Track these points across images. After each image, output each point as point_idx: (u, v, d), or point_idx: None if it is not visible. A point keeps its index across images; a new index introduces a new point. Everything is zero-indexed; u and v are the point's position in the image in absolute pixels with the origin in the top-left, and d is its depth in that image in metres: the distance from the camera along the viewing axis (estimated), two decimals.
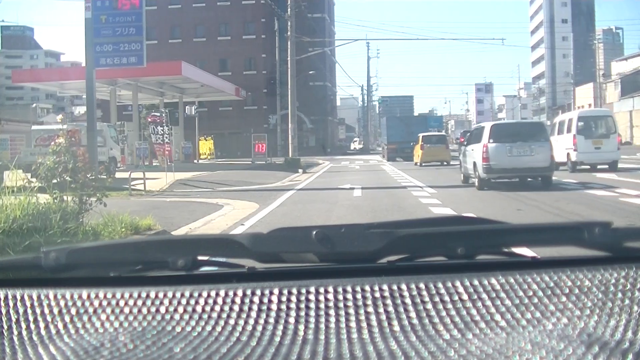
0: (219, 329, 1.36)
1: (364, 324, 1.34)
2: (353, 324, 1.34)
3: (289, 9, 38.67)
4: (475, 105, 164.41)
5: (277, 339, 1.31)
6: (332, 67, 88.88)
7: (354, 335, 1.30)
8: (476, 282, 1.43)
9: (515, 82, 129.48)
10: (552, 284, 1.42)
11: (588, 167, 25.92)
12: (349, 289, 1.42)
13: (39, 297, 1.48)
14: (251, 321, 1.37)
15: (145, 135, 32.72)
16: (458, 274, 1.46)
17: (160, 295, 1.45)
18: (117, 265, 1.64)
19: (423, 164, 36.85)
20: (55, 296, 1.48)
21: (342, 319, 1.35)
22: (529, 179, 19.78)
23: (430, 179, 23.94)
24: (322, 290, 1.43)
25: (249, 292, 1.43)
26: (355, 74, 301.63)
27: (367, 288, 1.42)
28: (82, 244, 1.82)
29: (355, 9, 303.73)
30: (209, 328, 1.37)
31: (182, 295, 1.44)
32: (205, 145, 56.58)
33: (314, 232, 1.55)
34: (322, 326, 1.34)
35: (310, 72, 71.75)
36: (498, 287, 1.42)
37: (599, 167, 25.90)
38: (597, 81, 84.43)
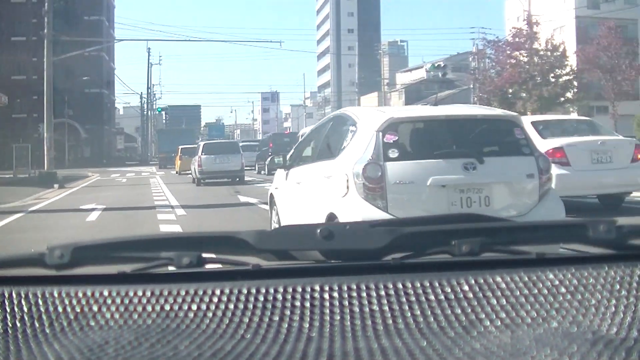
0: (223, 326, 1.39)
1: (369, 322, 1.37)
2: (358, 322, 1.37)
3: (46, 4, 36.62)
4: (261, 115, 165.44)
5: (282, 336, 1.34)
6: (110, 74, 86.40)
7: (359, 333, 1.34)
8: (481, 280, 1.46)
9: (304, 92, 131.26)
10: (556, 282, 1.45)
11: None
12: (353, 286, 1.45)
13: (43, 294, 1.50)
14: (256, 318, 1.40)
15: None
16: (463, 272, 1.48)
17: (165, 292, 1.48)
18: (121, 262, 1.65)
19: (182, 173, 40.99)
20: (59, 293, 1.50)
21: (347, 317, 1.38)
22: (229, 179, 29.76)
23: (190, 195, 23.70)
24: (326, 287, 1.45)
25: (253, 289, 1.46)
26: (139, 82, 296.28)
27: (372, 285, 1.45)
28: (87, 241, 1.74)
29: (140, 12, 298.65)
30: (213, 325, 1.40)
31: (187, 292, 1.47)
32: None
33: (319, 230, 1.57)
34: (327, 323, 1.37)
35: (85, 78, 69.07)
36: (503, 284, 1.45)
37: None
38: (382, 90, 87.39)
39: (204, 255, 1.61)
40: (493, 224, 1.81)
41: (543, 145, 13.22)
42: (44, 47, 62.42)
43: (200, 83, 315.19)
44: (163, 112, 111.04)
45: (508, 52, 50.55)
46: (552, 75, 49.46)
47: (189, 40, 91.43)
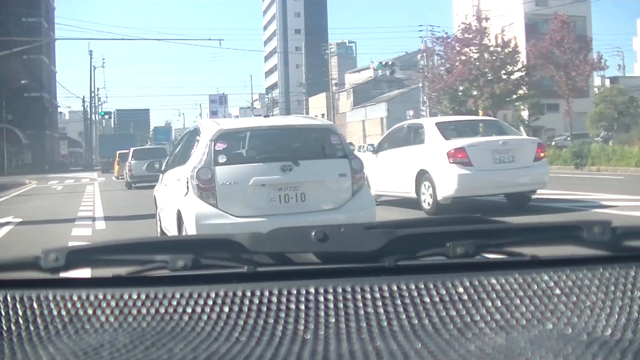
0: (218, 329, 1.40)
1: (364, 324, 1.38)
2: (353, 324, 1.38)
3: None
4: (210, 117, 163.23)
5: (277, 339, 1.35)
6: (50, 77, 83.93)
7: (354, 335, 1.35)
8: (476, 282, 1.47)
9: (251, 94, 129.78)
10: (551, 283, 1.46)
11: None
12: (348, 288, 1.46)
13: (38, 297, 1.50)
14: (251, 321, 1.41)
15: None
16: (457, 274, 1.49)
17: (160, 295, 1.48)
18: (116, 266, 1.66)
19: (120, 178, 40.55)
20: (54, 297, 1.50)
21: (342, 319, 1.39)
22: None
23: (119, 204, 22.35)
24: (321, 290, 1.46)
25: (248, 292, 1.47)
26: (84, 86, 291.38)
27: (367, 288, 1.46)
28: (82, 245, 1.76)
29: (84, 14, 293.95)
30: (208, 328, 1.40)
31: (182, 295, 1.48)
32: None
33: (314, 232, 1.57)
34: (322, 326, 1.38)
35: (23, 82, 66.50)
36: (498, 286, 1.46)
37: None
38: (330, 91, 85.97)
39: (199, 258, 1.60)
40: (487, 226, 1.80)
41: (446, 145, 13.98)
42: None
43: (147, 86, 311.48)
44: (111, 116, 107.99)
45: (457, 48, 49.10)
46: (503, 72, 48.20)
47: (126, 39, 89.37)
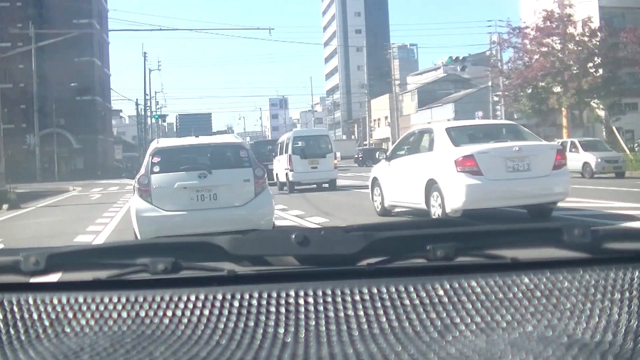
0: (199, 332, 1.43)
1: (344, 327, 1.41)
2: (333, 327, 1.41)
3: None
4: (270, 121, 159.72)
5: (257, 342, 1.38)
6: (104, 81, 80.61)
7: (334, 338, 1.38)
8: (456, 284, 1.50)
9: (312, 97, 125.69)
10: (531, 286, 1.49)
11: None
12: (328, 291, 1.49)
13: (18, 301, 1.54)
14: (231, 324, 1.44)
15: None
16: (437, 276, 1.52)
17: (140, 299, 1.51)
18: (97, 269, 1.69)
19: None
20: (34, 300, 1.54)
21: (322, 322, 1.43)
22: None
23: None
24: (301, 293, 1.49)
25: (228, 295, 1.50)
26: (141, 89, 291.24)
27: (347, 291, 1.49)
28: (62, 248, 1.76)
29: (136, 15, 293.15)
30: (189, 332, 1.44)
31: (162, 298, 1.51)
32: None
33: (294, 235, 1.60)
34: (302, 329, 1.41)
35: (72, 84, 63.09)
36: (478, 289, 1.49)
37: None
38: (394, 92, 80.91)
39: (179, 261, 1.62)
40: (468, 229, 1.81)
41: (454, 153, 13.04)
42: (32, 54, 56.62)
43: (204, 87, 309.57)
44: (165, 120, 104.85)
45: (537, 39, 43.18)
46: (590, 64, 42.13)
47: (177, 30, 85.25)
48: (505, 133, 14.90)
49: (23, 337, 1.45)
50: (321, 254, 1.63)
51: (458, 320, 1.41)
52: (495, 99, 55.97)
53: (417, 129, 16.65)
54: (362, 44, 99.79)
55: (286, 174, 28.25)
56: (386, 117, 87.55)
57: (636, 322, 1.39)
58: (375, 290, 1.48)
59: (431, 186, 13.38)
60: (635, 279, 1.50)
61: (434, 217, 13.19)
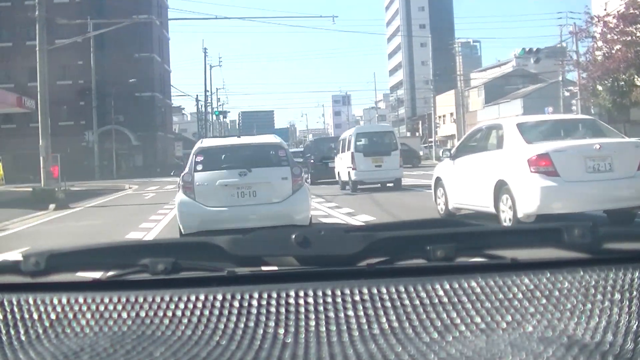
0: (199, 332, 1.44)
1: (344, 327, 1.42)
2: (333, 327, 1.42)
3: None
4: (333, 118, 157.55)
5: (257, 342, 1.40)
6: (163, 77, 79.32)
7: (334, 339, 1.39)
8: (456, 285, 1.50)
9: (374, 94, 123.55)
10: (531, 286, 1.50)
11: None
12: (328, 292, 1.50)
13: (18, 301, 1.56)
14: (231, 325, 1.45)
15: None
16: (437, 277, 1.53)
17: (140, 299, 1.53)
18: (97, 269, 1.73)
19: None
20: (35, 301, 1.56)
21: (322, 322, 1.44)
22: None
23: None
24: (301, 293, 1.50)
25: (228, 295, 1.51)
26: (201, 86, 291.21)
27: (347, 291, 1.50)
28: (62, 248, 1.75)
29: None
30: (188, 332, 1.45)
31: (162, 299, 1.52)
32: None
33: (294, 235, 1.61)
34: (302, 329, 1.43)
35: (131, 80, 61.67)
36: (478, 289, 1.49)
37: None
38: (460, 87, 78.01)
39: (179, 261, 1.64)
40: (467, 229, 1.82)
41: (527, 151, 11.91)
42: (91, 50, 55.28)
43: (266, 83, 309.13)
44: (225, 116, 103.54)
45: (619, 28, 39.76)
46: None
47: (231, 18, 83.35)
48: (583, 129, 13.60)
49: (23, 338, 1.47)
50: (321, 254, 1.63)
51: (458, 320, 1.42)
52: (567, 94, 52.93)
53: (485, 125, 15.72)
54: (426, 39, 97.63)
55: (348, 172, 26.87)
56: (451, 114, 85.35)
57: (636, 323, 1.38)
58: (375, 291, 1.49)
59: (501, 188, 12.32)
60: (636, 279, 1.49)
61: (504, 223, 12.24)
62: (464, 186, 14.06)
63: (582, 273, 1.51)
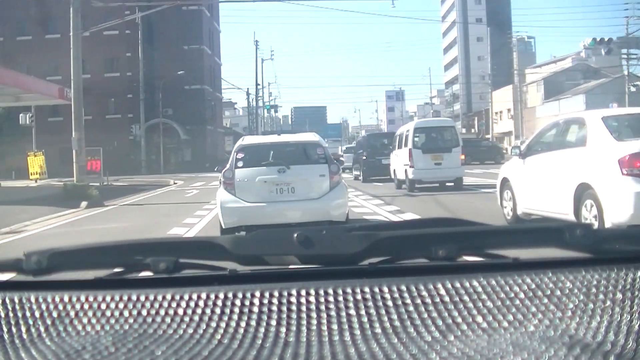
0: (200, 331, 1.46)
1: (346, 326, 1.43)
2: (335, 326, 1.44)
3: None
4: (386, 114, 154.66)
5: (259, 341, 1.41)
6: (214, 70, 77.44)
7: (336, 338, 1.40)
8: (457, 284, 1.52)
9: (428, 90, 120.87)
10: (533, 286, 1.51)
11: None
12: (330, 291, 1.51)
13: (20, 300, 1.58)
14: (233, 323, 1.47)
15: None
16: (439, 276, 1.55)
17: (142, 298, 1.55)
18: (98, 268, 1.73)
19: None
20: (37, 299, 1.58)
21: (324, 321, 1.45)
22: None
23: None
24: (303, 292, 1.52)
25: (230, 294, 1.53)
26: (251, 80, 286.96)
27: (349, 290, 1.51)
28: (64, 247, 1.76)
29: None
30: (190, 331, 1.46)
31: (164, 297, 1.54)
32: (35, 163, 43.84)
33: (296, 235, 1.63)
34: (304, 328, 1.44)
35: (179, 72, 59.69)
36: (479, 288, 1.51)
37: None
38: (518, 83, 74.99)
39: (181, 260, 1.66)
40: (469, 228, 1.84)
41: (617, 150, 10.20)
42: (139, 41, 53.70)
43: (319, 76, 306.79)
44: (277, 110, 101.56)
45: None
46: None
47: (283, 1, 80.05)
48: None
49: (25, 336, 1.48)
50: (323, 253, 1.65)
51: (460, 320, 1.43)
52: (633, 89, 49.65)
53: (562, 119, 13.54)
54: (482, 33, 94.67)
55: (405, 170, 25.12)
56: (508, 110, 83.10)
57: (638, 323, 1.40)
58: (377, 290, 1.50)
59: (583, 192, 10.69)
60: (637, 279, 1.51)
61: None
62: (537, 189, 12.51)
63: (584, 273, 1.52)
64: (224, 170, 12.67)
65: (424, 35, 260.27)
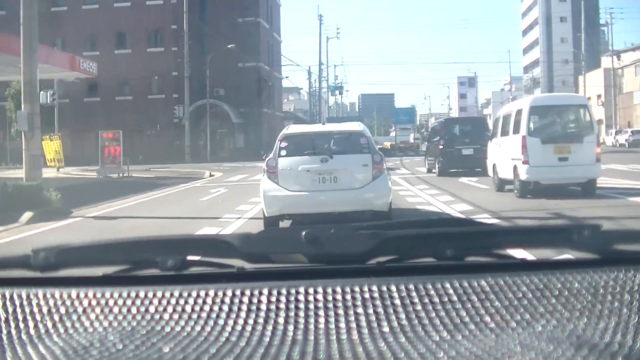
0: (208, 329, 1.48)
1: (354, 325, 1.45)
2: (342, 325, 1.45)
3: None
4: (458, 101, 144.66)
5: (267, 339, 1.43)
6: (272, 47, 70.59)
7: (343, 336, 1.42)
8: (465, 284, 1.53)
9: (502, 77, 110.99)
10: (541, 286, 1.52)
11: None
12: (338, 289, 1.53)
13: (28, 296, 1.60)
14: (240, 321, 1.48)
15: None
16: (447, 276, 1.56)
17: (150, 295, 1.57)
18: (106, 265, 1.75)
19: None
20: (44, 295, 1.60)
21: (332, 320, 1.47)
22: None
23: None
24: (311, 290, 1.53)
25: (238, 292, 1.54)
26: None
27: (357, 289, 1.53)
28: (72, 243, 1.75)
29: None
30: (198, 328, 1.48)
31: (172, 295, 1.56)
32: (51, 148, 35.61)
33: (304, 233, 1.65)
34: (312, 327, 1.46)
35: (230, 46, 51.11)
36: (487, 288, 1.52)
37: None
38: (611, 66, 65.66)
39: (189, 258, 1.68)
40: (477, 228, 1.84)
41: None
42: (184, 11, 45.80)
43: (387, 57, 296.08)
44: (341, 92, 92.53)
45: None
46: None
47: None
48: None
49: (32, 332, 1.50)
50: (331, 252, 1.66)
51: (468, 319, 1.43)
52: None
53: None
54: (566, 13, 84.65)
55: (514, 167, 18.11)
56: (598, 96, 73.38)
57: None
58: (384, 289, 1.50)
59: None
60: None
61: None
62: None
63: (591, 274, 1.52)
64: (267, 159, 12.82)
65: (500, 18, 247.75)
